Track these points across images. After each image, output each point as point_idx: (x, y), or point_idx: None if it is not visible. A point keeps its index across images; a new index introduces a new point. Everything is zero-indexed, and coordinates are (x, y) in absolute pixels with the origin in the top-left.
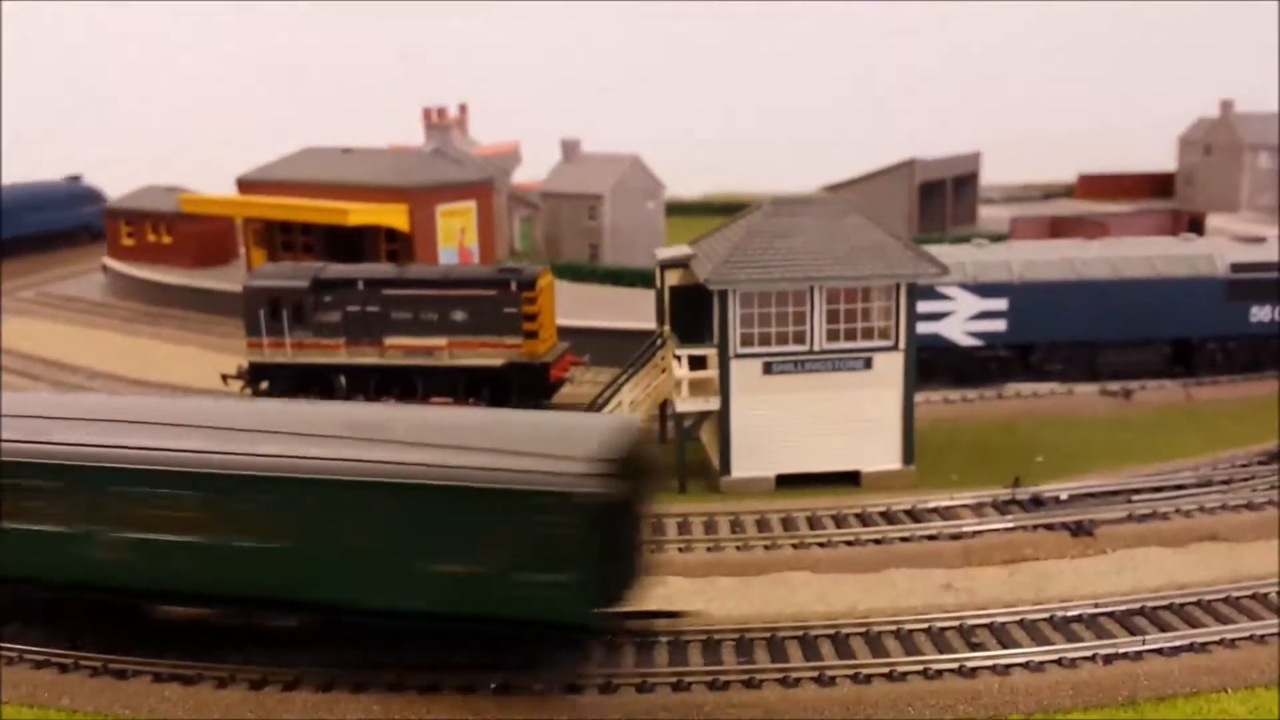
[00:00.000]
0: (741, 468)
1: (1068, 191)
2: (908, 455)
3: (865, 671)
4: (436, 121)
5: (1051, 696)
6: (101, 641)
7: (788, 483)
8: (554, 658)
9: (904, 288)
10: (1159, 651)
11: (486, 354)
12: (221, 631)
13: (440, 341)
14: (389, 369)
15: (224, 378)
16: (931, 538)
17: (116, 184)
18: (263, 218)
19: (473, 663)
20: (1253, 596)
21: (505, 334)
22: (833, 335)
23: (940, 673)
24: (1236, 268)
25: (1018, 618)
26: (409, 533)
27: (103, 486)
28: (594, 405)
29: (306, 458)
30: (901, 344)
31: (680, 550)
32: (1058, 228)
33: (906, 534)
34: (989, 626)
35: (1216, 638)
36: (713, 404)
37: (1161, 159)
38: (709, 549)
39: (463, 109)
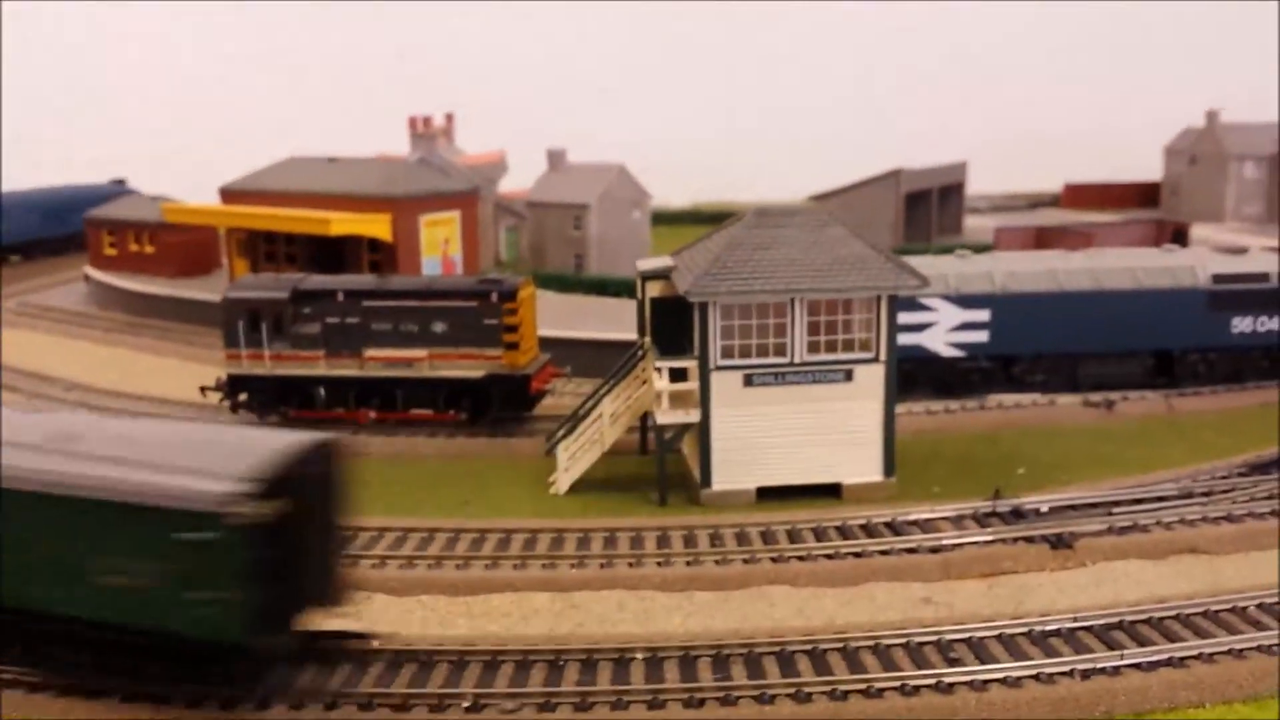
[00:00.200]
0: (722, 480)
1: (1054, 201)
2: (889, 467)
3: (842, 688)
4: (422, 130)
5: (1029, 712)
6: None
7: (768, 495)
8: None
9: (885, 300)
10: (1137, 666)
11: (467, 366)
12: None
13: (421, 353)
14: (369, 381)
15: (202, 390)
16: (911, 551)
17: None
18: (245, 227)
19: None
20: (1232, 610)
21: (486, 345)
22: (813, 347)
23: (917, 689)
24: (1218, 279)
25: (996, 632)
26: (73, 543)
27: None
28: (574, 417)
29: None
30: (882, 356)
31: (659, 564)
32: (1042, 238)
33: (886, 547)
34: (967, 641)
35: (1195, 652)
36: (693, 416)
37: (1150, 167)
38: (687, 563)
39: (449, 118)
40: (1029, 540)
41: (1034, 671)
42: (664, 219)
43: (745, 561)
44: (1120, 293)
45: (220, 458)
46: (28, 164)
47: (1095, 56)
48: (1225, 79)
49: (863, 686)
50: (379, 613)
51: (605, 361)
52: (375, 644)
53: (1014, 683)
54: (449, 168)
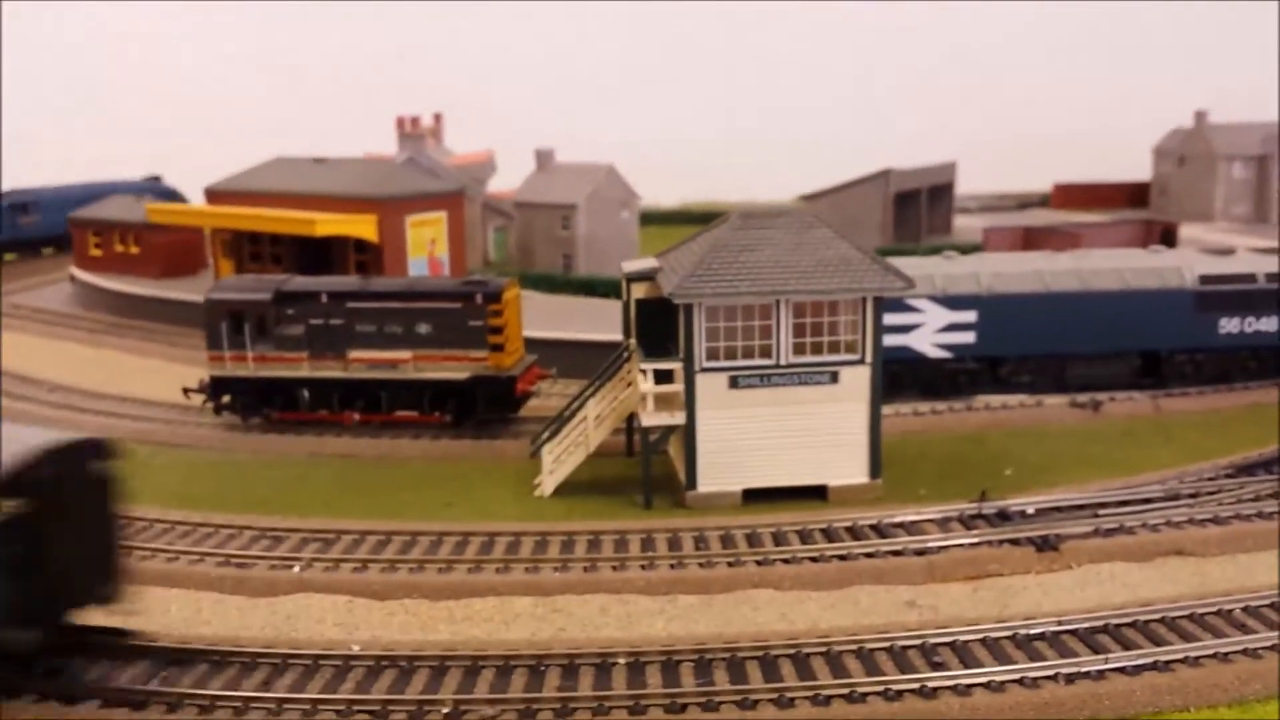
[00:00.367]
0: (707, 483)
1: (1043, 201)
2: (875, 469)
3: (825, 693)
4: (410, 131)
5: (1013, 716)
6: None
7: (754, 497)
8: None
9: (870, 301)
10: (1121, 670)
11: (452, 367)
12: None
13: (405, 354)
14: (353, 382)
15: (185, 391)
16: (896, 553)
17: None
18: (230, 228)
19: None
20: (1217, 613)
21: (471, 347)
22: (799, 349)
23: (901, 693)
24: (1205, 279)
25: (980, 636)
26: None
27: None
28: (559, 419)
29: None
30: (868, 358)
31: (643, 567)
32: (1031, 238)
33: (871, 550)
34: (951, 645)
35: (1180, 656)
36: (678, 418)
37: (1139, 167)
38: (672, 566)
39: (437, 118)
40: (1014, 542)
41: (1018, 676)
42: (654, 219)
43: (730, 564)
44: (1107, 293)
45: None
46: (28, 164)
47: (1086, 57)
48: (1215, 80)
49: (845, 691)
50: (360, 616)
51: (592, 362)
52: (131, 641)
53: (997, 687)
54: (437, 168)
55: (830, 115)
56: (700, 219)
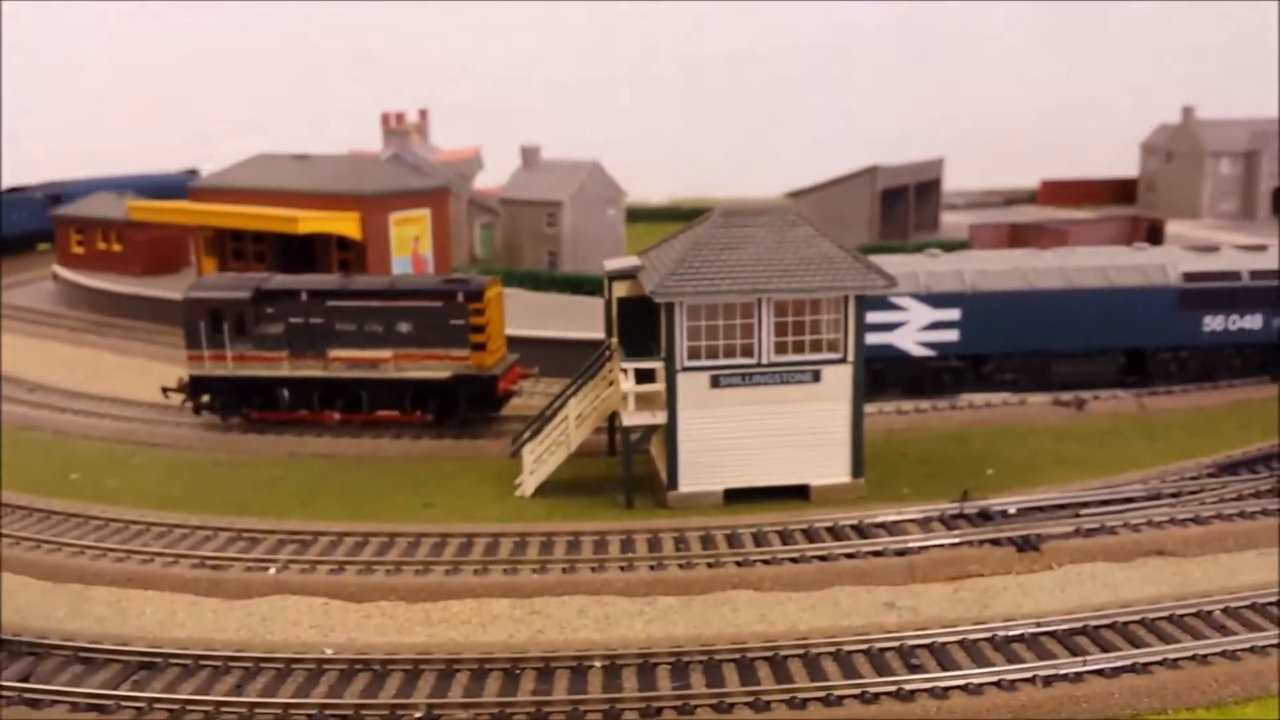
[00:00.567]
0: (689, 482)
1: (1031, 197)
2: (857, 469)
3: (801, 696)
4: (395, 127)
5: (990, 719)
6: None
7: (736, 497)
8: None
9: (852, 300)
10: (1099, 672)
11: (433, 366)
12: None
13: (385, 354)
14: (333, 381)
15: (164, 391)
16: (877, 554)
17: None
18: (213, 226)
19: None
20: (1197, 614)
21: (452, 346)
22: (781, 348)
23: (877, 696)
24: (1189, 277)
25: (958, 638)
26: None
27: None
28: (540, 418)
29: None
30: (850, 356)
31: (622, 569)
32: (1017, 235)
33: (852, 550)
34: (929, 647)
35: (1158, 658)
36: (660, 418)
37: (1128, 163)
38: (651, 567)
39: (423, 114)
40: (996, 543)
41: (996, 678)
42: (642, 215)
43: (709, 565)
44: (1091, 291)
45: None
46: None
47: (1075, 52)
48: (1203, 76)
49: (822, 694)
50: (336, 619)
51: (576, 361)
52: None
53: (975, 690)
54: (422, 164)
55: (820, 112)
56: (689, 215)
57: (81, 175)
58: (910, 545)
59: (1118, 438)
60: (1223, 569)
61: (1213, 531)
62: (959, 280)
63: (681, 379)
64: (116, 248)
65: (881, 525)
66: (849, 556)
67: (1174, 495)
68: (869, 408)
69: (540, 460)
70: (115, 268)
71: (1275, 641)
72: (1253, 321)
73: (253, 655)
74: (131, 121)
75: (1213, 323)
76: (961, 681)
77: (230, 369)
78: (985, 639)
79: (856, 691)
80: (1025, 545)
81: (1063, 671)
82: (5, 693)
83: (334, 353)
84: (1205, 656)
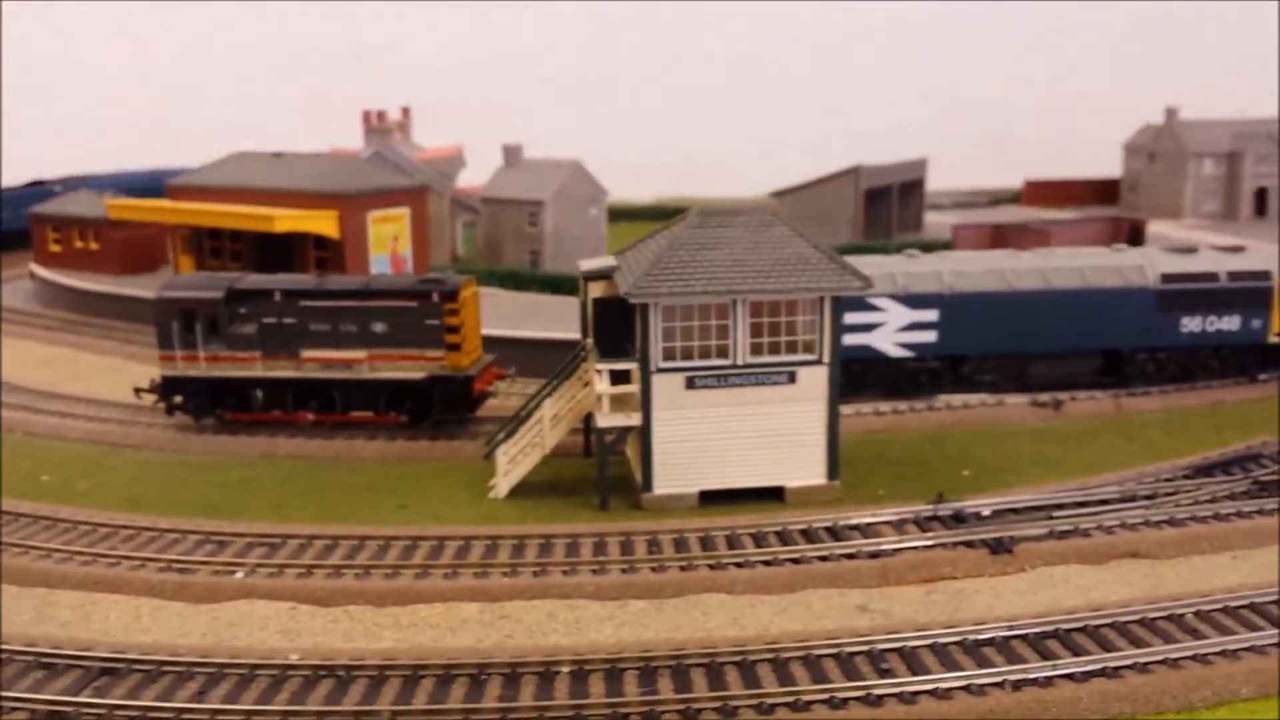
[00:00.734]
0: (663, 484)
1: (1015, 197)
2: (833, 470)
3: (769, 701)
4: (376, 125)
5: None
6: None
7: (711, 499)
8: None
9: (828, 301)
10: (1069, 677)
11: (407, 367)
12: None
13: (359, 354)
14: (307, 382)
15: (137, 391)
16: (850, 556)
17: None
18: (189, 224)
19: None
20: (1168, 618)
21: (427, 346)
22: (756, 349)
23: (846, 701)
24: (1167, 278)
25: (929, 641)
26: None
27: None
28: (516, 419)
29: None
30: (826, 358)
31: (593, 572)
32: (1000, 235)
33: (825, 553)
34: (899, 651)
35: (1129, 662)
36: (634, 419)
37: (1111, 164)
38: (623, 570)
39: (405, 112)
40: (969, 545)
41: (964, 683)
42: (626, 215)
43: (682, 569)
44: (1069, 292)
45: None
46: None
47: (1063, 52)
48: (1187, 77)
49: (790, 699)
50: (303, 623)
51: (554, 361)
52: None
53: (944, 694)
54: (403, 162)
55: (806, 111)
56: (673, 215)
57: (102, 169)
58: (884, 548)
59: (1095, 439)
60: (1196, 571)
61: (1186, 534)
62: (937, 281)
63: (656, 380)
64: (94, 246)
65: (856, 527)
66: (822, 559)
67: (1148, 497)
68: (847, 409)
69: (515, 462)
70: (93, 266)
71: (1246, 645)
72: (1230, 322)
73: (216, 661)
74: (141, 116)
75: (1190, 324)
76: (930, 686)
77: (203, 369)
78: (956, 643)
79: (825, 696)
80: (998, 547)
81: (1032, 676)
82: None
83: (307, 353)
84: (1176, 660)
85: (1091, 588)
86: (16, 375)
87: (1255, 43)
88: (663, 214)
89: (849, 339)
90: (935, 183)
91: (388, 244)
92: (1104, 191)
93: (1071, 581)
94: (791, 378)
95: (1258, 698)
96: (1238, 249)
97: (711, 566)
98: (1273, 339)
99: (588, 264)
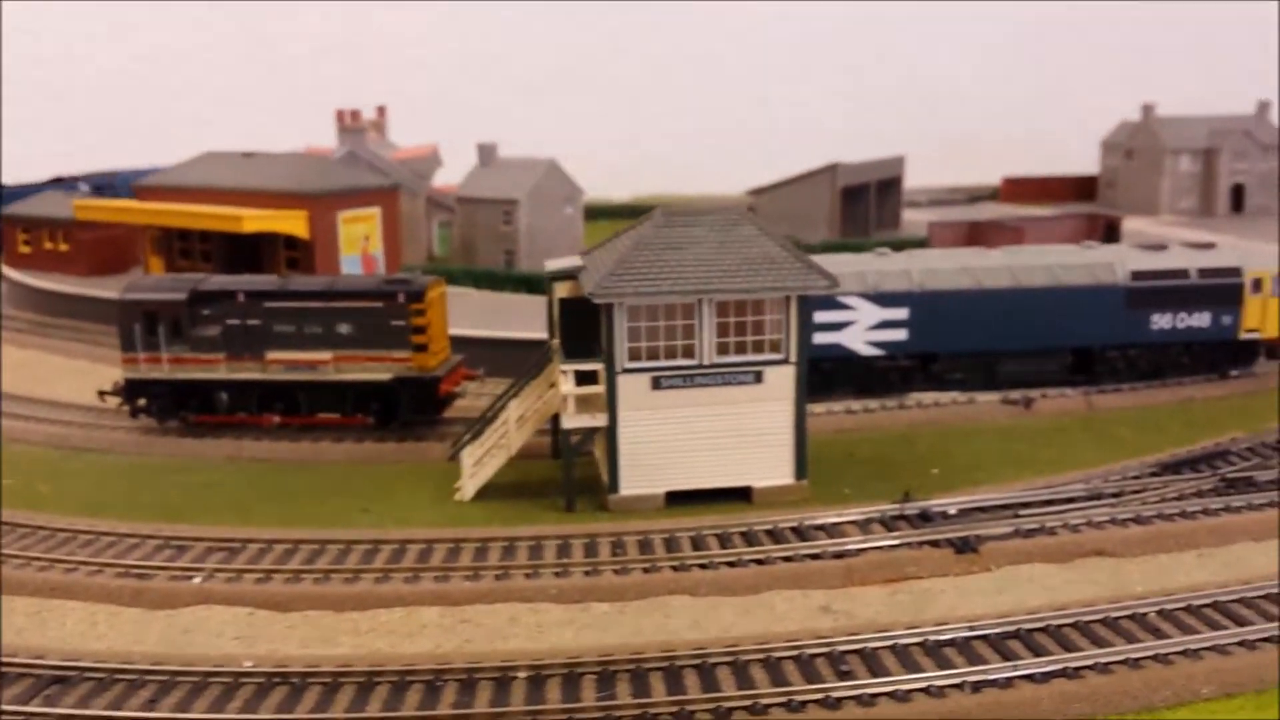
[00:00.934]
0: (630, 485)
1: (993, 195)
2: (800, 470)
3: (727, 705)
4: (350, 124)
5: None
6: None
7: (678, 500)
8: None
9: (795, 300)
10: (1029, 678)
11: (374, 368)
12: None
13: (325, 355)
14: (272, 384)
15: (100, 394)
16: (815, 556)
17: None
18: (159, 225)
19: None
20: (1131, 617)
21: (393, 347)
22: (722, 349)
23: (804, 704)
24: (1137, 275)
25: (890, 643)
26: None
27: None
28: (481, 420)
29: None
30: (793, 357)
31: (556, 575)
32: (976, 232)
33: (790, 553)
34: (860, 652)
35: (1090, 662)
36: (600, 420)
37: (1089, 160)
38: (586, 573)
39: (380, 111)
40: (934, 544)
41: (924, 684)
42: (603, 213)
43: (645, 571)
44: (1039, 290)
45: None
46: None
47: (1039, 50)
48: (1168, 73)
49: (748, 702)
50: (260, 629)
51: (525, 362)
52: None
53: (903, 696)
54: (377, 161)
55: (783, 109)
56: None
57: (127, 165)
58: (849, 548)
59: (1064, 436)
60: (1162, 569)
61: (1152, 532)
62: (907, 279)
63: (622, 381)
64: (64, 247)
65: (821, 528)
66: (786, 560)
67: (1115, 495)
68: (817, 408)
69: (480, 464)
70: (62, 268)
71: (1209, 644)
72: (1201, 319)
73: (169, 669)
74: (140, 116)
75: (1161, 321)
76: (890, 688)
77: (166, 371)
78: (917, 644)
79: (783, 700)
80: (964, 547)
81: (992, 677)
82: None
83: (272, 355)
84: (1137, 660)
85: (1056, 587)
86: None
87: (1231, 39)
88: (640, 213)
89: (820, 338)
90: (913, 180)
91: (359, 244)
92: (1082, 188)
93: (1036, 581)
94: (758, 377)
95: (1219, 697)
96: (1208, 245)
97: (675, 568)
98: (1243, 335)
99: (553, 264)
